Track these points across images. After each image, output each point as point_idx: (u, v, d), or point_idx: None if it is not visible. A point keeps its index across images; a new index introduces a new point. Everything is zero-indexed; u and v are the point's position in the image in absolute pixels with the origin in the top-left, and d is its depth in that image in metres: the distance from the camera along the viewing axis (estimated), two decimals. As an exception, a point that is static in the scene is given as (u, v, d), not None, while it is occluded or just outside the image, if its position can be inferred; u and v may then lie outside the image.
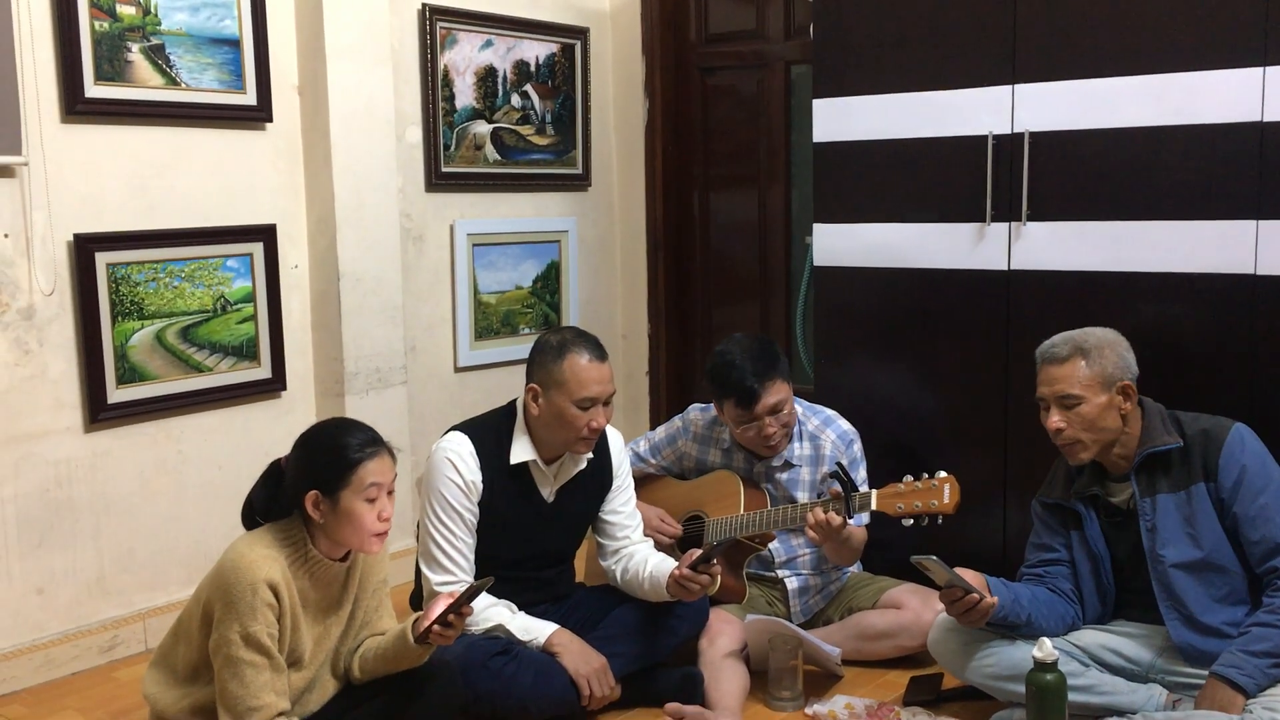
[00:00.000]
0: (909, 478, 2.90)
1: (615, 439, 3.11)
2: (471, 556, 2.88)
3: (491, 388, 4.26)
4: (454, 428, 2.95)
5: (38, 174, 3.14)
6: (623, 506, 3.11)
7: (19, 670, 3.19)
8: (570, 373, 2.82)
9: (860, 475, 3.21)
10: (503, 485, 2.90)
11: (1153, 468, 2.63)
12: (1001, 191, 3.25)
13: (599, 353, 2.88)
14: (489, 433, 2.93)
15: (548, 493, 2.97)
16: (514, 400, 3.00)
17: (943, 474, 2.86)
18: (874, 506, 2.91)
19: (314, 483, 2.38)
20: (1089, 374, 2.60)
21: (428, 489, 2.89)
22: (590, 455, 2.99)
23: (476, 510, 2.88)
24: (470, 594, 2.43)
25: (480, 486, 2.87)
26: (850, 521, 2.95)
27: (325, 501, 2.38)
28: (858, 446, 3.25)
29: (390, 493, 2.44)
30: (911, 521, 2.87)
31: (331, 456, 2.39)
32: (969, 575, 2.58)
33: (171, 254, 3.42)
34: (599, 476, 3.06)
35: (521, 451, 2.91)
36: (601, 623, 2.98)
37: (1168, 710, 2.56)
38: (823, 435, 3.22)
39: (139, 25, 3.31)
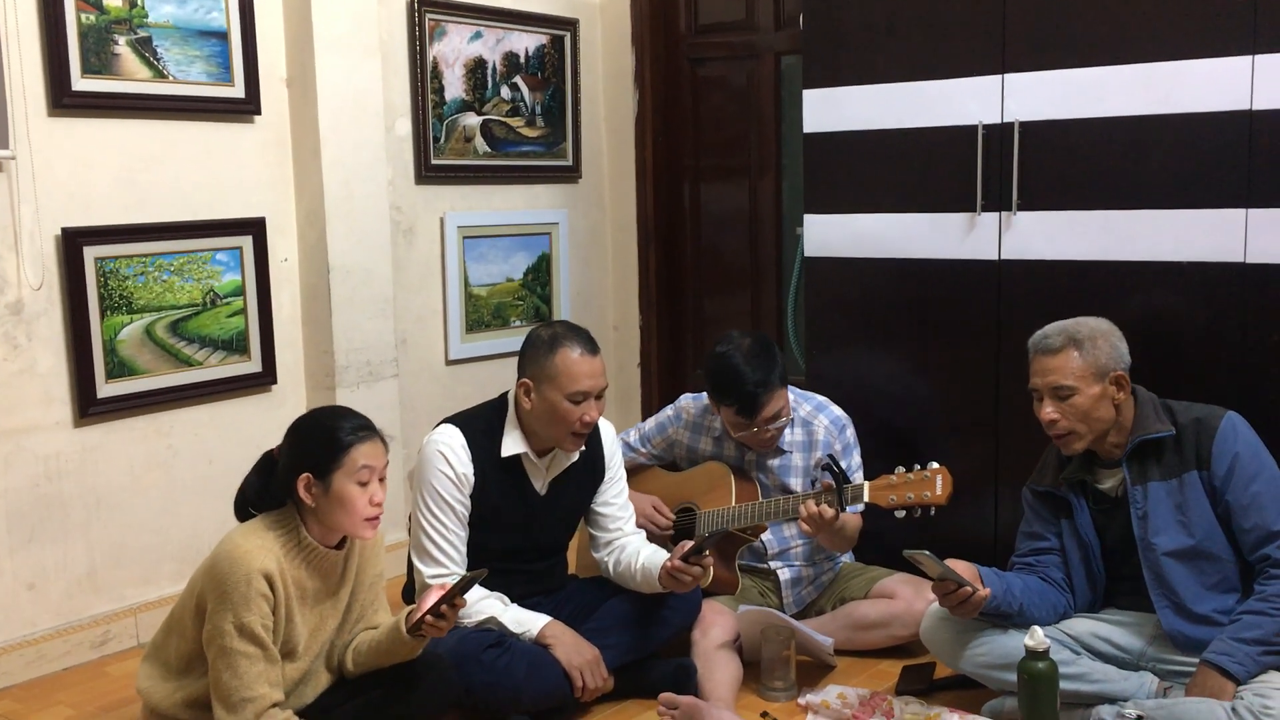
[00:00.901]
0: (901, 469, 2.90)
1: (607, 430, 3.11)
2: (463, 549, 2.87)
3: (483, 380, 4.25)
4: (445, 420, 2.95)
5: (25, 168, 3.12)
6: (615, 498, 3.10)
7: (10, 666, 3.18)
8: (562, 367, 2.82)
9: (854, 461, 3.21)
10: (495, 478, 2.90)
11: (1144, 455, 2.63)
12: (991, 181, 3.25)
13: (591, 346, 2.87)
14: (480, 425, 2.93)
15: (540, 485, 2.96)
16: (505, 393, 2.99)
17: (935, 465, 2.86)
18: (866, 498, 2.91)
19: (307, 465, 2.41)
20: (1082, 364, 2.59)
21: (419, 482, 2.89)
22: (582, 447, 2.98)
23: (468, 503, 2.87)
24: (464, 585, 2.43)
25: (472, 479, 2.87)
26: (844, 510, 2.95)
27: (318, 485, 2.40)
28: (850, 432, 3.25)
29: (382, 479, 2.46)
30: (904, 513, 2.87)
31: (324, 439, 2.42)
32: (961, 567, 2.59)
33: (160, 248, 3.41)
34: (591, 468, 3.05)
35: (513, 444, 2.90)
36: (594, 614, 2.98)
37: (1159, 698, 2.57)
38: (815, 421, 3.23)
39: (126, 18, 3.29)
